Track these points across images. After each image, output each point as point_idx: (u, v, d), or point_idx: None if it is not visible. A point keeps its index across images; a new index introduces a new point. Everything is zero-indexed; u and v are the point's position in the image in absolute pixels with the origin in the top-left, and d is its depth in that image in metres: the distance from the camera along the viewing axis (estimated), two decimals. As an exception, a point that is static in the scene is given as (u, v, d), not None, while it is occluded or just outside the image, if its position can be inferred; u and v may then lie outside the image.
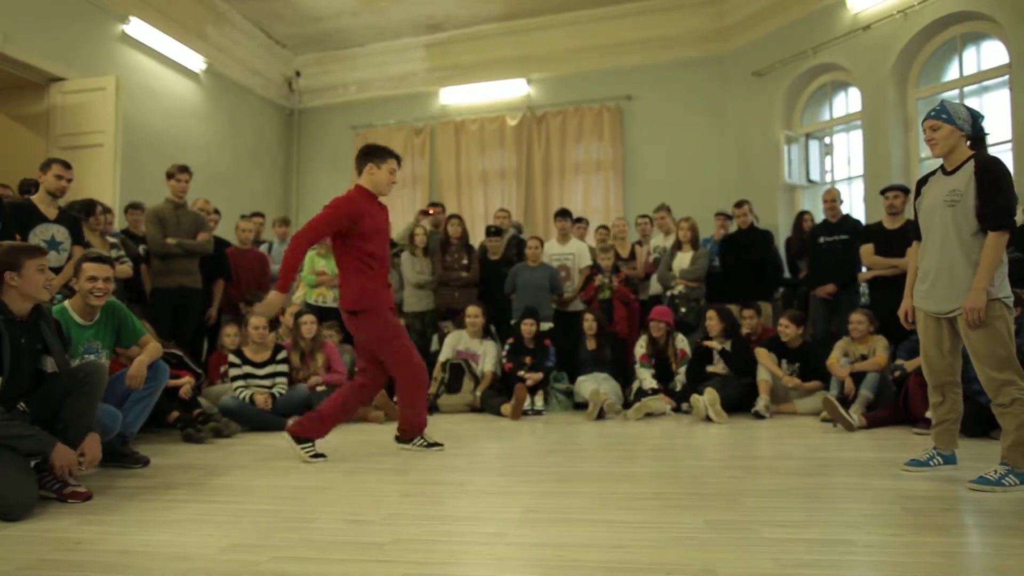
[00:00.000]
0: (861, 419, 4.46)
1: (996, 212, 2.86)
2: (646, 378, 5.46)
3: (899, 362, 4.77)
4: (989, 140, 5.92)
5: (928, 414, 3.42)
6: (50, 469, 2.73)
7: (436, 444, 3.85)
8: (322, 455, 3.61)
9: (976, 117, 3.05)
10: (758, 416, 4.98)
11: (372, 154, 3.68)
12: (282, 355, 5.06)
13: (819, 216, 6.45)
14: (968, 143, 3.03)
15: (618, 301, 6.23)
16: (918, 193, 3.21)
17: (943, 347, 3.07)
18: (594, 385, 5.32)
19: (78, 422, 2.84)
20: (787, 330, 5.27)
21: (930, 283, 3.06)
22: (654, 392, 5.32)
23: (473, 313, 5.87)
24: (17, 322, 2.77)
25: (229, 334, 5.19)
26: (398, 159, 3.74)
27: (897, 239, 5.16)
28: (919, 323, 3.17)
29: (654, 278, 6.51)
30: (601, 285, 6.23)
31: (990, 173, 2.90)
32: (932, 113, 3.04)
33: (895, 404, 4.63)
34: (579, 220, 7.16)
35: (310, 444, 3.62)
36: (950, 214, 2.97)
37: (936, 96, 6.41)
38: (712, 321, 5.49)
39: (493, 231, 6.62)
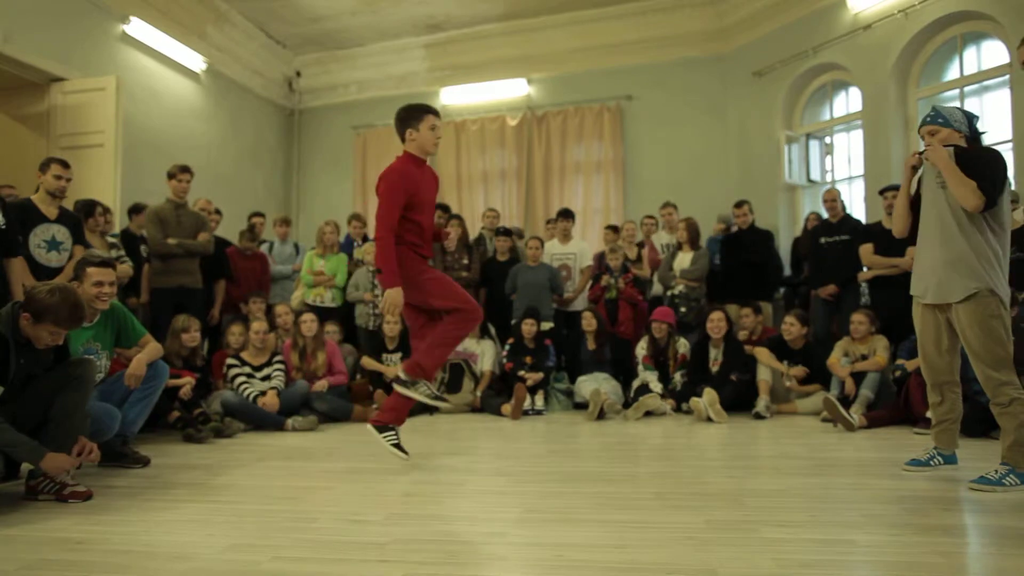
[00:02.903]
0: (861, 419, 4.46)
1: (983, 186, 2.85)
2: (652, 381, 5.45)
3: (900, 362, 4.77)
4: (989, 140, 5.94)
5: (928, 414, 3.42)
6: (45, 474, 2.73)
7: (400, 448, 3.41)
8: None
9: (971, 118, 3.07)
10: (758, 417, 4.98)
11: (407, 118, 3.44)
12: (279, 358, 5.07)
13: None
14: (966, 143, 3.05)
15: (624, 302, 6.23)
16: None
17: (941, 346, 3.08)
18: (594, 385, 5.32)
19: (70, 418, 2.83)
20: (792, 328, 5.27)
21: (928, 270, 3.06)
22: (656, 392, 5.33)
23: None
24: (24, 344, 2.77)
25: (235, 332, 5.19)
26: (435, 112, 3.47)
27: (896, 239, 5.15)
28: (917, 321, 3.18)
29: (656, 277, 6.52)
30: (607, 286, 6.23)
31: (973, 153, 2.94)
32: (928, 119, 3.08)
33: (896, 404, 4.64)
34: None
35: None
36: (943, 196, 2.99)
37: (937, 96, 6.42)
38: (720, 323, 5.45)
39: (503, 231, 6.64)
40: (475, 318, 3.41)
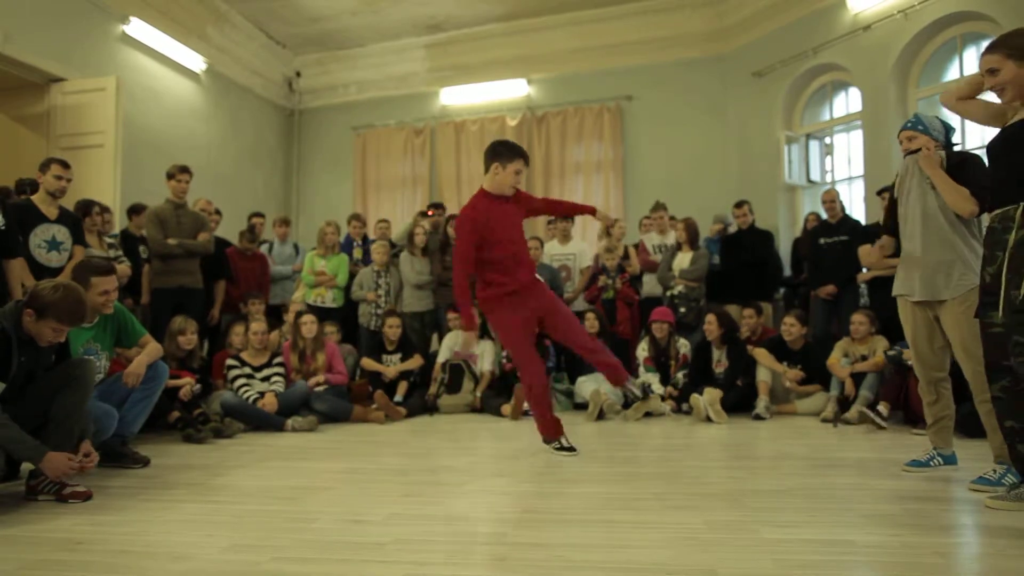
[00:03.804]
0: (885, 406, 4.41)
1: (976, 191, 2.91)
2: (654, 383, 5.44)
3: (899, 348, 4.68)
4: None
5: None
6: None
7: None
8: (570, 448, 3.68)
9: (948, 128, 3.17)
10: (758, 418, 4.98)
11: (500, 154, 3.53)
12: (278, 360, 5.07)
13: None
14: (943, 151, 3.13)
15: (621, 302, 6.22)
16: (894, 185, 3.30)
17: (935, 343, 3.11)
18: (594, 385, 5.32)
19: (70, 419, 2.83)
20: (792, 328, 5.27)
21: (918, 269, 3.08)
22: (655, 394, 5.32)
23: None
24: (27, 341, 2.77)
25: (238, 333, 5.19)
26: (525, 158, 3.57)
27: (896, 239, 5.16)
28: (907, 320, 3.19)
29: (649, 277, 6.50)
30: (605, 285, 6.23)
31: (960, 160, 3.02)
32: (908, 125, 3.19)
33: (893, 384, 4.57)
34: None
35: (556, 442, 3.73)
36: (933, 197, 3.03)
37: (936, 96, 6.41)
38: (711, 325, 5.46)
39: None
40: (532, 388, 3.70)
